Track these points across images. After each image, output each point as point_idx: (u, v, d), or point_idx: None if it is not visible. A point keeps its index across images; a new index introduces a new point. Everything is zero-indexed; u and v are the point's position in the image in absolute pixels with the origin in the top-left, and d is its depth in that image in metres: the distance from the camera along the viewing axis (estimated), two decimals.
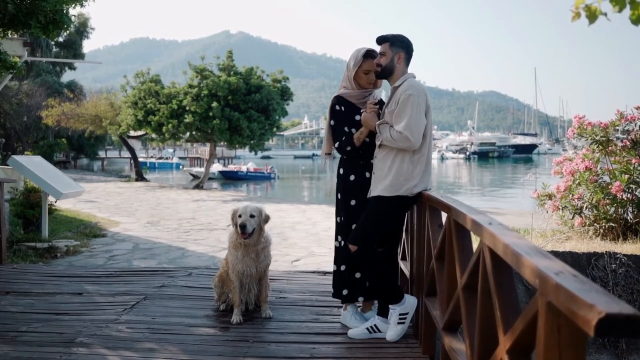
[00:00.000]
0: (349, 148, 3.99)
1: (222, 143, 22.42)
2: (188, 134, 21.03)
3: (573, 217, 7.22)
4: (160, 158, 60.25)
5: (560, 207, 7.31)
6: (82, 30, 42.13)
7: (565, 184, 7.41)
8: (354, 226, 3.96)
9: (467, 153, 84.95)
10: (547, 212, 7.51)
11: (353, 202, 4.04)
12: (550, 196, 7.67)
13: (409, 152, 3.67)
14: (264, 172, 37.13)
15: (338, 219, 4.18)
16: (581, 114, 7.68)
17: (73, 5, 8.69)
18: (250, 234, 4.13)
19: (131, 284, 5.43)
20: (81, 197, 18.66)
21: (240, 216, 4.14)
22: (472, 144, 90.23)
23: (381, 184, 3.75)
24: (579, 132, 7.42)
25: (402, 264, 4.64)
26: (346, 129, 4.04)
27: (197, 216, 13.76)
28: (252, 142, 20.95)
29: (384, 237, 3.89)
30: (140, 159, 54.70)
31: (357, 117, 4.04)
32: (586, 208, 7.10)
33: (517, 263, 1.68)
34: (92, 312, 4.51)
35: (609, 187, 6.90)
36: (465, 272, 2.44)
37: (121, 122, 22.76)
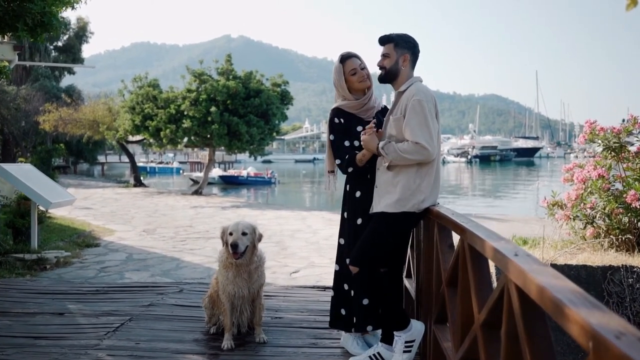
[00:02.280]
0: (350, 169, 3.66)
1: (221, 147, 22.09)
2: (186, 139, 20.70)
3: (585, 228, 6.88)
4: (161, 163, 59.91)
5: (572, 217, 6.97)
6: (82, 34, 41.90)
7: (576, 192, 7.07)
8: None
9: (469, 157, 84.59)
10: (557, 221, 7.17)
11: (360, 221, 3.69)
12: (560, 204, 7.33)
13: (415, 164, 3.33)
14: (264, 177, 36.80)
15: (341, 240, 3.84)
16: (588, 118, 7.39)
17: (64, 8, 8.39)
18: (242, 253, 3.78)
19: (117, 302, 5.09)
20: (77, 203, 18.34)
21: (231, 234, 3.78)
22: (473, 147, 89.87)
23: (385, 199, 3.40)
24: (590, 138, 7.09)
25: (406, 282, 4.30)
26: (347, 143, 3.70)
27: (194, 224, 13.43)
28: (251, 147, 20.59)
29: (388, 256, 3.54)
30: (140, 164, 54.54)
31: (359, 128, 3.69)
32: (599, 218, 6.76)
33: (559, 314, 1.34)
34: (72, 336, 4.16)
35: (623, 195, 6.57)
36: (485, 308, 2.10)
37: (118, 127, 22.43)
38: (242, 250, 3.75)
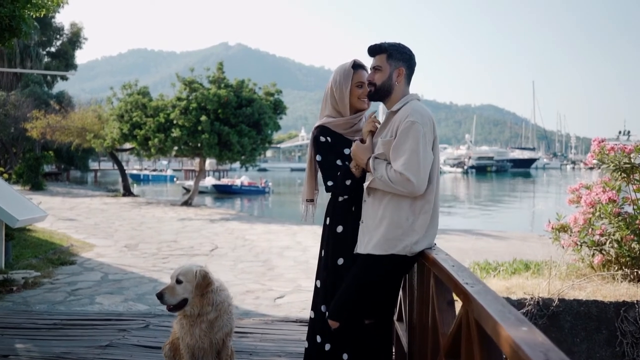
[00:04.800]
0: (349, 181, 3.05)
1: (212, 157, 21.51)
2: (176, 148, 20.09)
3: (593, 255, 6.35)
4: (155, 170, 59.28)
5: (579, 243, 6.44)
6: (75, 40, 41.43)
7: (583, 216, 6.55)
8: None
9: (465, 167, 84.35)
10: (562, 247, 6.64)
11: (341, 261, 3.12)
12: (565, 228, 6.81)
13: (409, 197, 2.79)
14: (258, 186, 36.27)
15: (318, 282, 3.25)
16: (596, 136, 6.87)
17: (38, 12, 7.85)
18: (177, 306, 3.21)
19: (72, 341, 4.51)
20: (62, 214, 17.77)
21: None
22: (469, 157, 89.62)
23: (372, 238, 2.85)
24: (599, 158, 6.56)
25: (397, 327, 3.75)
26: (339, 162, 3.12)
27: (179, 238, 12.84)
28: (242, 157, 19.99)
29: (375, 306, 2.98)
30: (133, 171, 53.91)
31: (347, 151, 3.12)
32: (609, 245, 6.23)
33: None
34: None
35: (636, 221, 6.05)
36: None
37: (106, 136, 21.82)
38: (170, 303, 3.17)
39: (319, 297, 3.21)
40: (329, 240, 3.21)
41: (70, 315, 5.55)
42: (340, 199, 3.16)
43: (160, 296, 3.16)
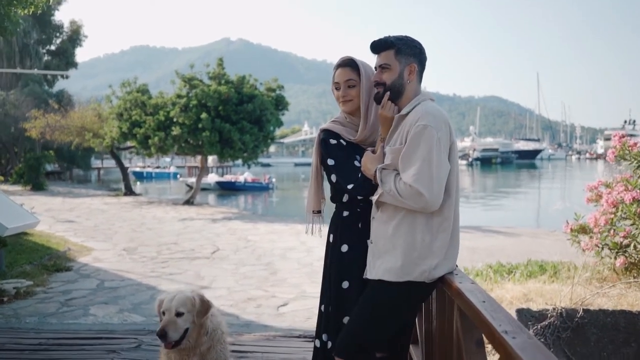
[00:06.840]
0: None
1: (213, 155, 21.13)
2: (176, 146, 19.70)
3: (616, 258, 5.96)
4: (158, 167, 58.98)
5: (600, 246, 6.06)
6: (75, 38, 41.11)
7: (604, 216, 6.16)
8: (346, 319, 2.67)
9: (470, 159, 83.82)
10: (583, 250, 6.25)
11: (346, 285, 2.74)
12: (585, 229, 6.42)
13: (424, 213, 2.40)
14: (261, 182, 35.92)
15: (322, 307, 2.88)
16: (616, 132, 6.50)
17: (25, 10, 7.51)
18: (178, 341, 2.82)
19: None
20: (61, 216, 17.43)
21: (164, 313, 2.82)
22: (474, 149, 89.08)
23: (384, 262, 2.46)
24: (620, 154, 6.16)
25: (412, 351, 3.38)
26: (357, 163, 2.70)
27: (180, 240, 12.48)
28: (244, 155, 19.59)
29: (388, 338, 2.60)
30: (137, 169, 53.56)
31: (357, 163, 2.70)
32: (633, 247, 5.84)
33: None
34: None
35: None
36: None
37: (105, 135, 21.45)
38: (174, 339, 2.78)
39: (322, 324, 2.84)
40: (332, 260, 2.83)
41: (59, 332, 5.18)
42: (345, 213, 2.80)
43: (164, 334, 2.76)
